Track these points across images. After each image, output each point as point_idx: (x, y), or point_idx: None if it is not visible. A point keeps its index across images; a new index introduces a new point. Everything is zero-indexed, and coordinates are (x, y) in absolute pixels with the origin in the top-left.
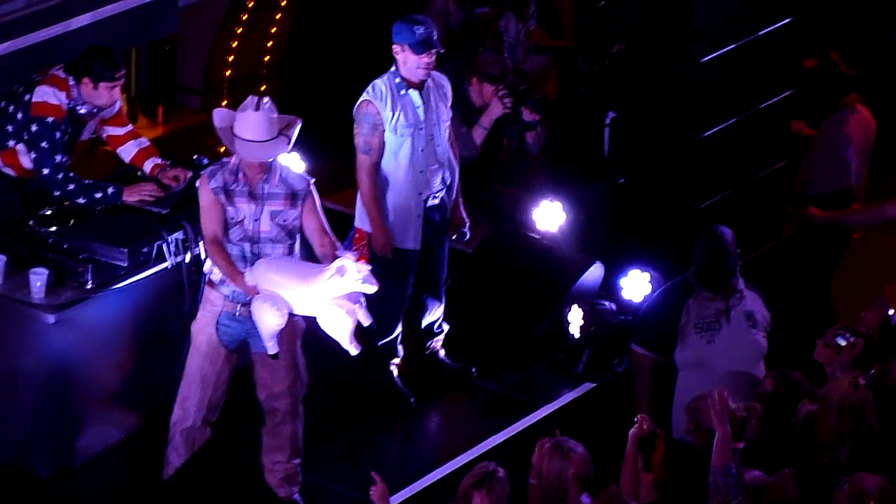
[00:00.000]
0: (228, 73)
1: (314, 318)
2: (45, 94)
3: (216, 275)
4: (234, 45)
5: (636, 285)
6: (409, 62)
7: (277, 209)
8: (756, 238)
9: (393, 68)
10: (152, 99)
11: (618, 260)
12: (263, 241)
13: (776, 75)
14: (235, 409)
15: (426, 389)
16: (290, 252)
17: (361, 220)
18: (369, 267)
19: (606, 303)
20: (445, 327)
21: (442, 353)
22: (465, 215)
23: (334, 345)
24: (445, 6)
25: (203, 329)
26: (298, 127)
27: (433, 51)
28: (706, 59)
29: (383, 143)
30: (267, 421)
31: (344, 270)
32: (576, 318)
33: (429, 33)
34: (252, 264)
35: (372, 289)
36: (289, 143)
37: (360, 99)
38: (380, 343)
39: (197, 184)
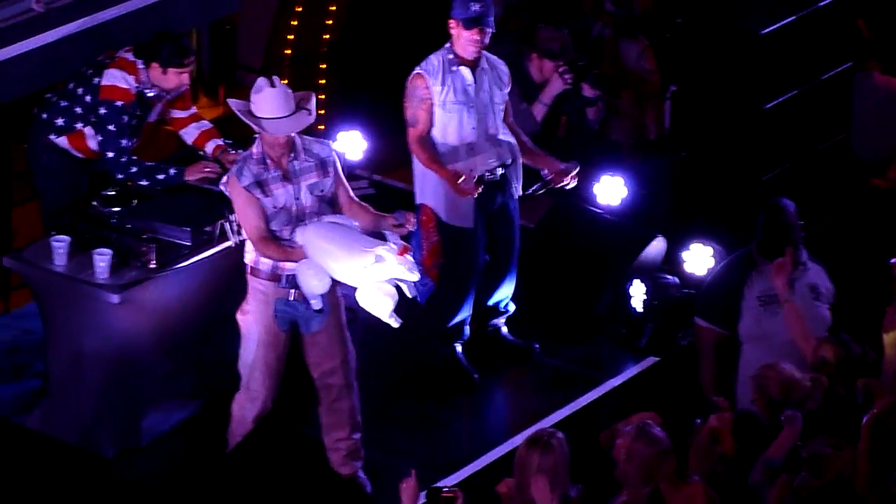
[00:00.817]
0: (289, 51)
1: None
2: (115, 78)
3: (264, 264)
4: (294, 23)
5: (699, 259)
6: (461, 37)
7: (313, 181)
8: (819, 210)
9: (448, 44)
10: (213, 79)
11: (680, 234)
12: (309, 216)
13: (836, 47)
14: (293, 389)
15: (489, 365)
16: None
17: (422, 195)
18: (411, 259)
19: (669, 277)
20: (512, 307)
21: (504, 329)
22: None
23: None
24: None
25: (259, 319)
26: (314, 99)
27: (485, 29)
28: (766, 31)
29: (431, 116)
30: (322, 399)
31: (382, 260)
32: (638, 293)
33: (483, 11)
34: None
35: (414, 276)
36: (311, 115)
37: (413, 72)
38: (448, 325)
39: (223, 187)
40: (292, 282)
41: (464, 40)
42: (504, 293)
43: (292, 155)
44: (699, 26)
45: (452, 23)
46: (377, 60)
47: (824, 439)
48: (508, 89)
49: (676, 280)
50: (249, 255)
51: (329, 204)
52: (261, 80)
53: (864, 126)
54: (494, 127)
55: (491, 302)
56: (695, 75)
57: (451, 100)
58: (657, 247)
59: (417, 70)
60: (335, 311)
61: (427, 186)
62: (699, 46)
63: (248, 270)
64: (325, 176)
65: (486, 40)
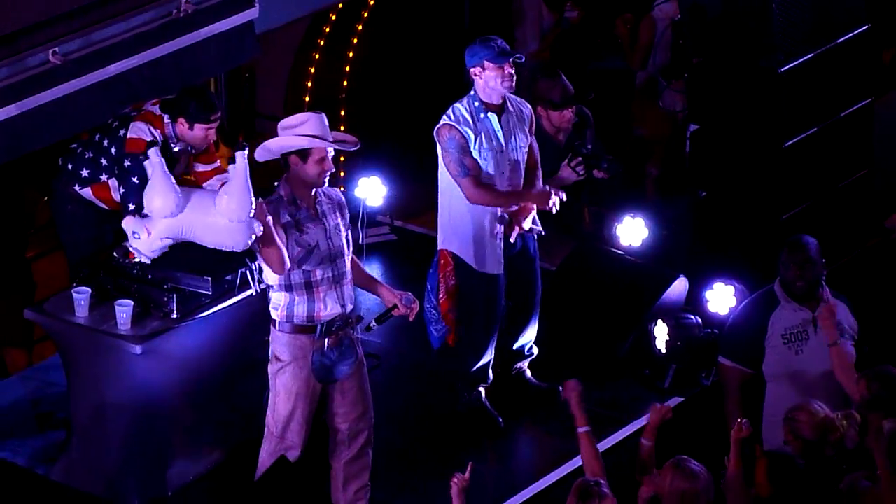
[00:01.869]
0: (307, 98)
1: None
2: (141, 131)
3: (298, 317)
4: (312, 70)
5: (721, 298)
6: (490, 80)
7: (336, 222)
8: (840, 247)
9: (472, 92)
10: (232, 127)
11: (702, 273)
12: (338, 255)
13: (855, 83)
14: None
15: (513, 409)
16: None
17: (446, 241)
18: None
19: (692, 317)
20: (535, 350)
21: (528, 373)
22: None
23: (420, 366)
24: (538, 12)
25: (296, 373)
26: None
27: (514, 59)
28: (784, 69)
29: (476, 161)
30: (344, 452)
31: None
32: (661, 333)
33: (505, 46)
34: (339, 283)
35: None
36: (356, 142)
37: (441, 124)
38: (472, 370)
39: (257, 228)
40: (327, 330)
41: (494, 81)
42: (527, 337)
43: (316, 197)
44: (717, 65)
45: (476, 70)
46: (396, 106)
47: (863, 474)
48: (532, 128)
49: (699, 320)
50: (277, 312)
51: (348, 245)
52: (298, 114)
53: (886, 157)
54: (520, 170)
55: (515, 346)
56: (714, 114)
57: (484, 147)
58: (679, 287)
59: (445, 121)
60: (358, 349)
61: (454, 233)
62: (718, 85)
63: (277, 328)
64: (342, 217)
65: (513, 77)
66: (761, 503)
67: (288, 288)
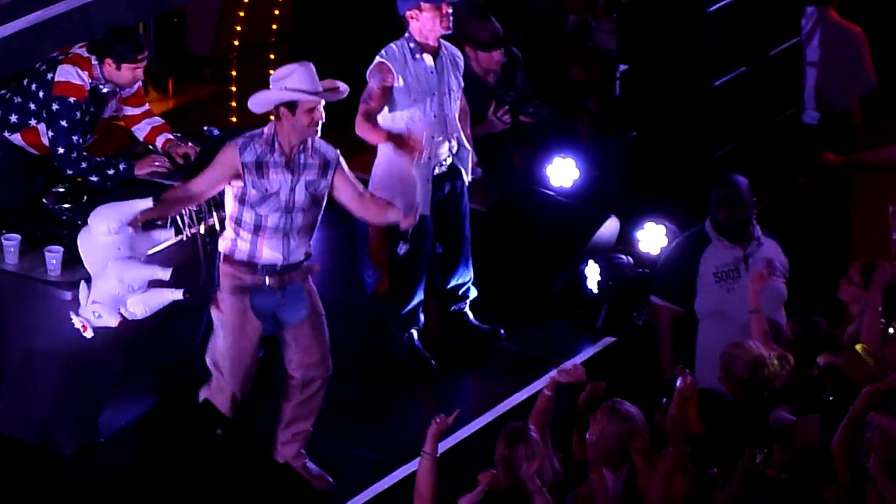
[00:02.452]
0: (237, 42)
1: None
2: (68, 74)
3: (240, 252)
4: (242, 14)
5: (652, 238)
6: (426, 21)
7: (311, 179)
8: (771, 185)
9: (406, 34)
10: (162, 72)
11: (633, 213)
12: (297, 210)
13: (784, 22)
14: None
15: (453, 351)
16: (315, 219)
17: (375, 185)
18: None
19: (623, 256)
20: (473, 292)
21: (470, 315)
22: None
23: (355, 310)
24: None
25: (233, 306)
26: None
27: (449, 3)
28: (713, 8)
29: (384, 101)
30: (295, 395)
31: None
32: (593, 274)
33: None
34: (287, 235)
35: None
36: (344, 91)
37: (374, 62)
38: (403, 312)
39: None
40: (269, 270)
41: (432, 20)
42: (462, 278)
43: (301, 146)
44: (646, 6)
45: (411, 13)
46: (327, 50)
47: (788, 409)
48: (462, 72)
49: (630, 260)
50: (224, 243)
51: (315, 203)
52: (288, 65)
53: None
54: (452, 114)
55: (450, 286)
56: (644, 55)
57: (415, 88)
58: (610, 227)
59: (379, 59)
60: (312, 300)
61: (382, 176)
62: (647, 26)
63: (222, 258)
64: (323, 177)
65: (450, 17)
66: (693, 441)
67: (238, 223)
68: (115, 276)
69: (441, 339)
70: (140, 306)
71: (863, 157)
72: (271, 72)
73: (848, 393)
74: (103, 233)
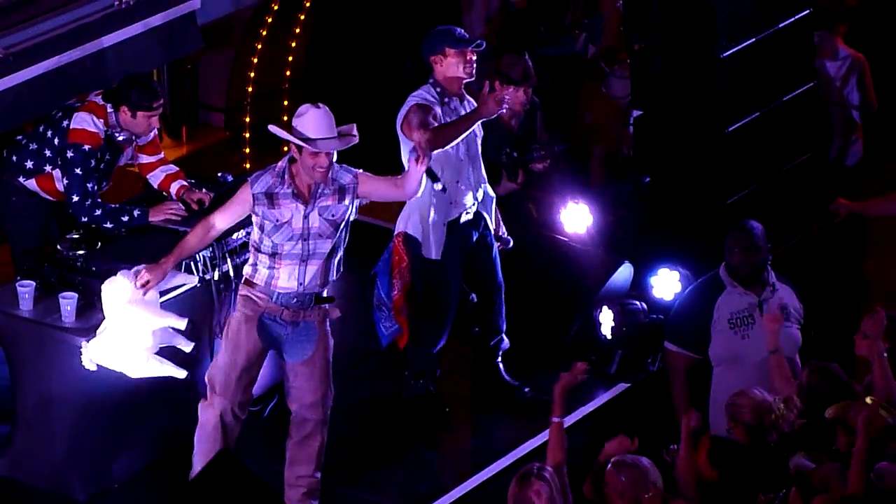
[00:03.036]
0: (250, 89)
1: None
2: (84, 122)
3: (260, 277)
4: (255, 60)
5: (666, 284)
6: (451, 66)
7: (326, 205)
8: (785, 231)
9: (430, 80)
10: (176, 118)
11: (647, 259)
12: (313, 237)
13: (798, 67)
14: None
15: (469, 396)
16: (336, 245)
17: (403, 223)
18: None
19: (637, 303)
20: (506, 343)
21: (502, 368)
22: (504, 232)
23: (369, 354)
24: None
25: (239, 323)
26: (355, 128)
27: (476, 47)
28: (727, 53)
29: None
30: (294, 433)
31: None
32: (607, 320)
33: (465, 33)
34: (305, 261)
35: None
36: (356, 137)
37: (409, 105)
38: (425, 359)
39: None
40: (284, 300)
41: (456, 65)
42: (496, 328)
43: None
44: (660, 51)
45: (436, 58)
46: (339, 96)
47: (804, 454)
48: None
49: (644, 306)
50: (247, 268)
51: (335, 228)
52: (305, 105)
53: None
54: (479, 159)
55: (485, 336)
56: (657, 100)
57: None
58: (624, 273)
59: (416, 101)
60: (323, 343)
61: (410, 214)
62: (661, 71)
63: (243, 282)
64: (340, 202)
65: (474, 63)
66: (707, 487)
67: (257, 248)
68: (133, 323)
69: (466, 385)
70: (139, 368)
71: (875, 203)
72: (285, 118)
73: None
74: (129, 287)
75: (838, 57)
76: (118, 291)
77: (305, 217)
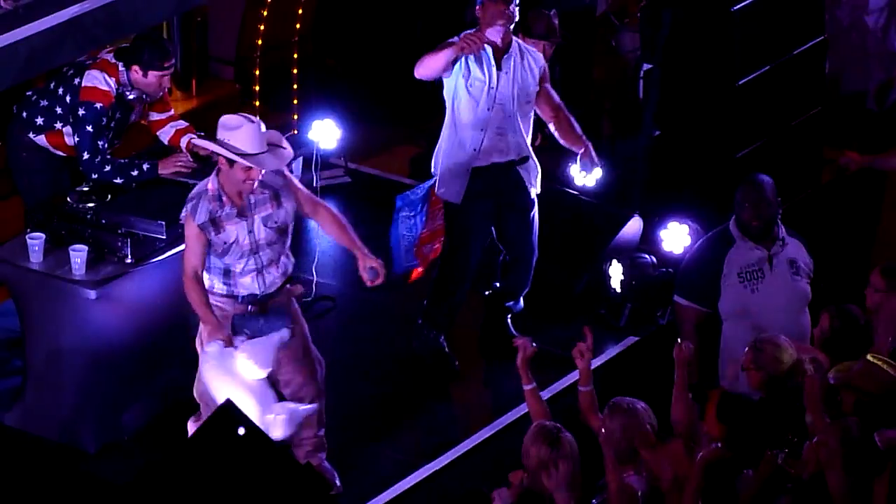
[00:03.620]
0: (260, 41)
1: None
2: (96, 80)
3: (219, 289)
4: (265, 13)
5: (676, 237)
6: (489, 17)
7: (266, 213)
8: (795, 185)
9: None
10: (185, 71)
11: (656, 213)
12: (262, 248)
13: (808, 21)
14: None
15: (478, 350)
16: (285, 245)
17: (436, 166)
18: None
19: (647, 256)
20: (520, 306)
21: (509, 320)
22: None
23: (378, 309)
24: None
25: (212, 332)
26: (283, 138)
27: (514, 2)
28: (738, 7)
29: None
30: None
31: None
32: (616, 273)
33: None
34: (260, 272)
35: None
36: (290, 150)
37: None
38: (440, 310)
39: (181, 218)
40: (249, 300)
41: (493, 16)
42: (517, 285)
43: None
44: (670, 4)
45: (478, 8)
46: (350, 48)
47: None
48: (538, 79)
49: (654, 259)
50: (206, 281)
51: (281, 233)
52: (238, 117)
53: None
54: (515, 118)
55: (502, 289)
56: (667, 53)
57: (476, 76)
58: (634, 226)
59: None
60: (297, 324)
61: (437, 153)
62: (671, 25)
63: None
64: (278, 207)
65: (514, 16)
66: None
67: (209, 269)
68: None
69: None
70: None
71: (886, 157)
72: (294, 71)
73: (868, 406)
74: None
75: None
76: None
77: (250, 232)
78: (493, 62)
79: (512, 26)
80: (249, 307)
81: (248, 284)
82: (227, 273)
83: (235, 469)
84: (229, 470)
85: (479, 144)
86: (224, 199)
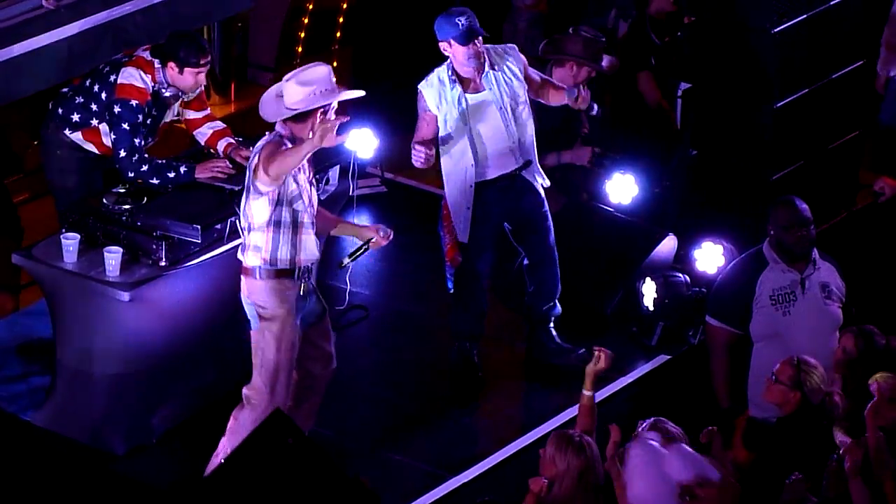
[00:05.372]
0: (300, 49)
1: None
2: (131, 77)
3: (282, 261)
4: (306, 21)
5: (710, 257)
6: (457, 55)
7: (309, 175)
8: (829, 209)
9: (447, 61)
10: (224, 76)
11: (691, 232)
12: (312, 205)
13: (847, 45)
14: None
15: (509, 363)
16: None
17: (449, 200)
18: None
19: (680, 275)
20: (558, 309)
21: (554, 333)
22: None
23: (411, 320)
24: None
25: (286, 322)
26: None
27: (479, 39)
28: (778, 29)
29: (432, 127)
30: (313, 396)
31: None
32: (649, 291)
33: (469, 22)
34: (313, 230)
35: None
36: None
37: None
38: (461, 321)
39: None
40: (305, 276)
41: (462, 57)
42: (548, 293)
43: None
44: (710, 25)
45: (444, 45)
46: (389, 58)
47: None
48: (523, 71)
49: (687, 278)
50: (261, 254)
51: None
52: (310, 69)
53: None
54: (513, 125)
55: (536, 301)
56: (706, 74)
57: (452, 117)
58: (668, 245)
59: (421, 85)
60: (318, 293)
61: (445, 183)
62: (710, 45)
63: (259, 274)
64: (311, 171)
65: (482, 51)
66: (740, 470)
67: (277, 225)
68: None
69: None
70: None
71: None
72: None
73: None
74: None
75: None
76: None
77: (310, 183)
78: (464, 102)
79: (480, 61)
80: (302, 285)
81: (310, 246)
82: (295, 225)
83: (283, 479)
84: (277, 479)
85: (482, 163)
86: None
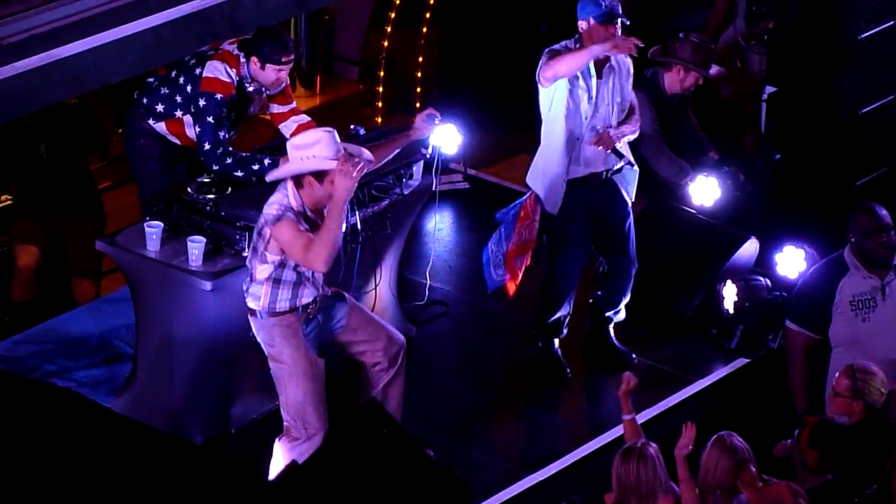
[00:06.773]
0: (386, 43)
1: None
2: (217, 70)
3: (282, 301)
4: (392, 15)
5: (791, 262)
6: (594, 35)
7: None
8: None
9: (577, 36)
10: (310, 69)
11: (773, 236)
12: None
13: None
14: None
15: (590, 363)
16: None
17: (531, 175)
18: None
19: (761, 279)
20: (622, 315)
21: (612, 332)
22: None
23: (490, 316)
24: None
25: (295, 355)
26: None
27: (621, 23)
28: (865, 35)
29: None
30: (382, 378)
31: None
32: (730, 294)
33: (613, 5)
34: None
35: None
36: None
37: (548, 50)
38: (549, 321)
39: (269, 223)
40: (311, 310)
41: (598, 38)
42: (616, 299)
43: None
44: (797, 29)
45: (583, 23)
46: (475, 53)
47: None
48: (631, 81)
49: (768, 282)
50: (260, 302)
51: None
52: (311, 133)
53: None
54: (612, 126)
55: (603, 302)
56: (792, 78)
57: (580, 87)
58: (750, 248)
59: (553, 48)
60: (349, 300)
61: (535, 166)
62: (796, 49)
63: (263, 316)
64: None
65: (618, 35)
66: (809, 470)
67: (276, 282)
68: None
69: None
70: None
71: None
72: (419, 74)
73: None
74: None
75: None
76: None
77: None
78: (593, 73)
79: None
80: (309, 310)
81: (308, 294)
82: (297, 283)
83: (378, 468)
84: (372, 469)
85: (577, 155)
86: (309, 215)
